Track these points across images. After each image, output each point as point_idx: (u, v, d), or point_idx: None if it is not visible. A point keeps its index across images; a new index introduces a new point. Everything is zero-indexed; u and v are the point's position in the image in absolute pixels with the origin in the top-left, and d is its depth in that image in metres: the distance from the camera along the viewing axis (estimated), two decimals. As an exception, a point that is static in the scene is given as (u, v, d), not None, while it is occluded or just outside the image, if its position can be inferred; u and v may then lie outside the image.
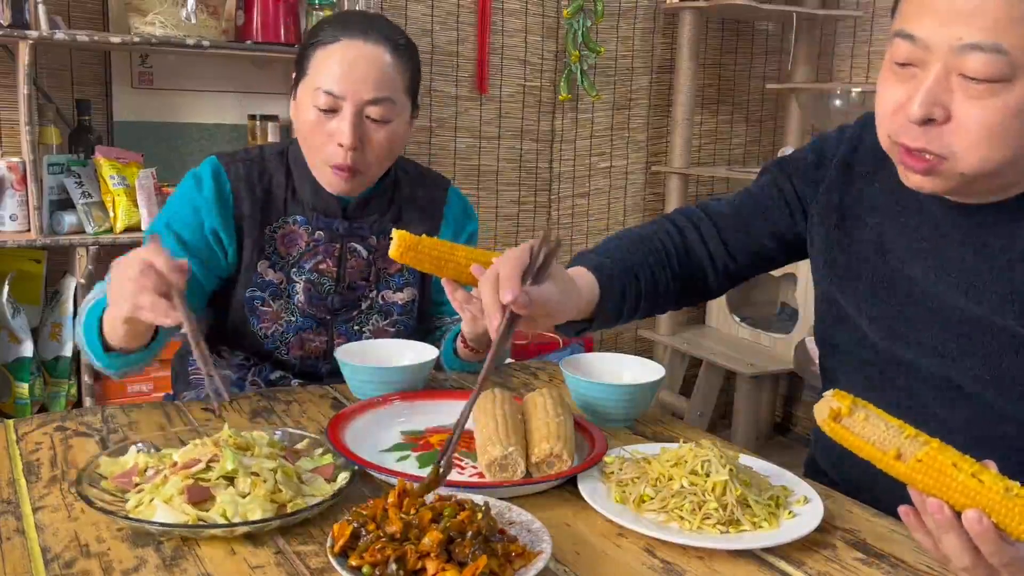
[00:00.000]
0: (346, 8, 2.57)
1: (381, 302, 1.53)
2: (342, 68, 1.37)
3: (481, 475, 1.08)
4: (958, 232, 1.07)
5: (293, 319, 1.48)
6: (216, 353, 1.53)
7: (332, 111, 1.38)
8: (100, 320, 1.25)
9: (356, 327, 1.52)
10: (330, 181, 1.44)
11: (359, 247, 1.51)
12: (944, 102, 0.94)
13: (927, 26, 0.93)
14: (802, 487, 1.06)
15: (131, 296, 1.10)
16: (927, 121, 0.95)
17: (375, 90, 1.38)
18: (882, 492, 1.14)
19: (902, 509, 0.85)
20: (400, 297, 1.54)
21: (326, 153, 1.40)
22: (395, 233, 1.26)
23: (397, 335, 1.54)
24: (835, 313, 1.24)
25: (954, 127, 0.94)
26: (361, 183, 1.45)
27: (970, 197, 1.04)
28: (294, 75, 1.46)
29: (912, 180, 1.01)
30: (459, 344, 1.47)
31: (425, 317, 1.61)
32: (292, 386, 1.49)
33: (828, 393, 0.86)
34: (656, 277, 1.26)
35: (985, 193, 1.03)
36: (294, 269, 1.49)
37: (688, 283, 1.30)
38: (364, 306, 1.52)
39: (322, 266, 1.49)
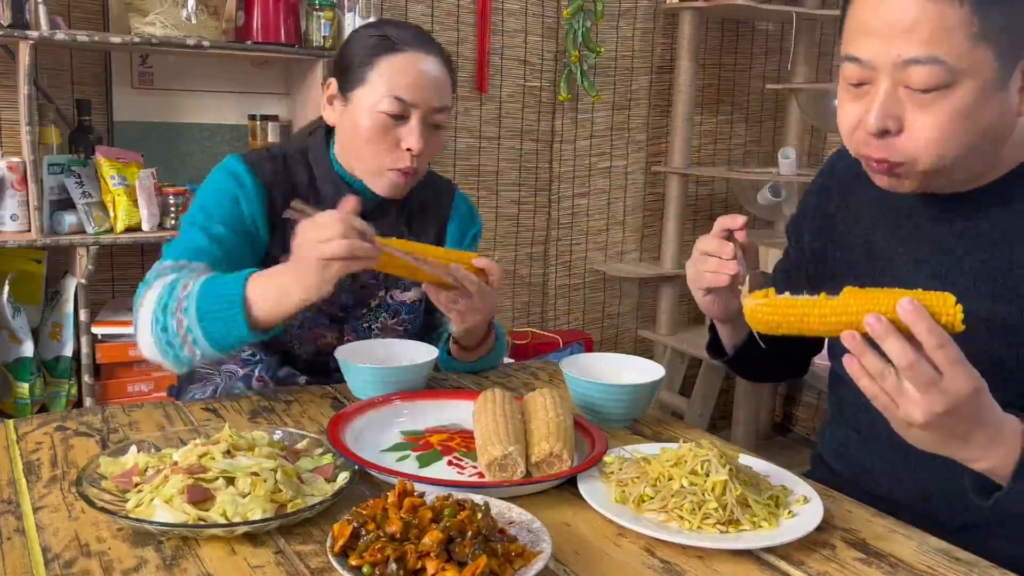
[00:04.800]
0: (346, 9, 2.57)
1: (390, 301, 1.56)
2: (413, 77, 1.41)
3: (481, 475, 1.08)
4: (932, 222, 1.13)
5: (307, 315, 1.49)
6: None
7: (401, 117, 1.41)
8: (242, 298, 1.21)
9: (366, 324, 1.54)
10: (389, 183, 1.46)
11: None
12: (896, 113, 1.00)
13: (870, 47, 1.00)
14: (802, 487, 1.06)
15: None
16: (884, 133, 1.01)
17: (441, 99, 1.44)
18: (882, 477, 1.18)
19: (845, 359, 0.91)
20: (408, 297, 1.57)
21: (390, 158, 1.43)
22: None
23: (404, 333, 1.57)
24: None
25: (908, 135, 1.01)
26: (412, 183, 1.49)
27: (942, 188, 1.10)
28: (337, 81, 1.47)
29: (881, 182, 1.08)
30: (451, 345, 1.49)
31: (430, 316, 1.63)
32: (299, 383, 1.50)
33: (755, 292, 0.98)
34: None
35: (954, 184, 1.09)
36: None
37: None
38: (374, 304, 1.54)
39: None
